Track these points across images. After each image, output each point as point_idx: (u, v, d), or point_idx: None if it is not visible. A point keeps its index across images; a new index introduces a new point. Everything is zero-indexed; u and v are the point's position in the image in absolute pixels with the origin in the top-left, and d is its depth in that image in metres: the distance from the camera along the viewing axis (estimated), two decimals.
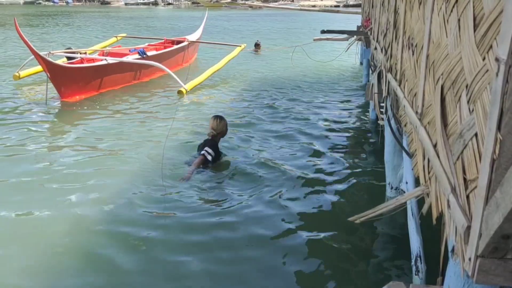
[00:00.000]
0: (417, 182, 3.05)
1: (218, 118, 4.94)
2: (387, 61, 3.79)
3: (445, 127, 1.56)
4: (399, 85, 2.86)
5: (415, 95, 2.26)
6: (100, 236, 3.43)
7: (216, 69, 9.82)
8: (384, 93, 3.70)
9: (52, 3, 72.06)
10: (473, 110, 1.27)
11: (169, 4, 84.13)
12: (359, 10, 18.06)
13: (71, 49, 10.19)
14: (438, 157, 1.58)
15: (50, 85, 7.39)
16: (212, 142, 4.76)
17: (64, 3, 74.26)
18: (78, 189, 4.23)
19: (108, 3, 76.48)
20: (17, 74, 8.74)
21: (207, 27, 13.73)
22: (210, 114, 5.84)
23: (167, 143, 4.80)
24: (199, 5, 75.25)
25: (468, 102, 1.32)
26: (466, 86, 1.34)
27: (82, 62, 8.53)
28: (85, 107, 7.38)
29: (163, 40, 12.14)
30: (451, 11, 1.58)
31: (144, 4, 79.25)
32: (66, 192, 4.14)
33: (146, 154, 5.14)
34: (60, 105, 7.43)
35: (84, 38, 18.56)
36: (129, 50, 9.79)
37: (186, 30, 16.48)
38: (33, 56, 7.63)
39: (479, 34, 1.25)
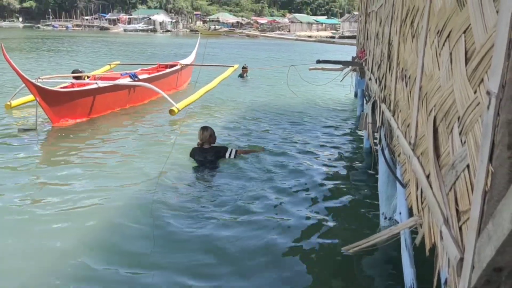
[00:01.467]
0: (410, 213, 3.06)
1: (202, 129, 5.64)
2: (381, 91, 3.84)
3: (438, 158, 1.57)
4: (393, 116, 2.89)
5: (408, 125, 2.28)
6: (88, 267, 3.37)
7: (209, 89, 9.80)
8: (378, 123, 3.73)
9: (51, 28, 72.87)
10: (465, 142, 1.29)
11: (168, 31, 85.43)
12: (353, 41, 18.43)
13: (79, 71, 10.17)
14: (431, 187, 1.59)
15: (41, 109, 7.30)
16: (201, 148, 5.55)
17: (64, 28, 75.12)
18: (68, 217, 4.13)
19: (107, 29, 77.53)
20: (8, 103, 8.52)
21: (203, 55, 13.90)
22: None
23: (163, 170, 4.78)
24: (197, 32, 76.35)
25: (460, 134, 1.34)
26: (458, 118, 1.35)
27: (73, 87, 8.49)
28: (77, 132, 7.27)
29: (156, 65, 12.28)
30: (443, 44, 1.62)
31: (143, 30, 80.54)
32: (54, 220, 4.06)
33: (140, 181, 5.11)
34: (50, 130, 7.33)
35: (81, 64, 18.70)
36: (121, 74, 9.83)
37: (182, 57, 16.67)
38: (35, 79, 7.63)
39: (470, 68, 1.27)
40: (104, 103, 8.47)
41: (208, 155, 5.58)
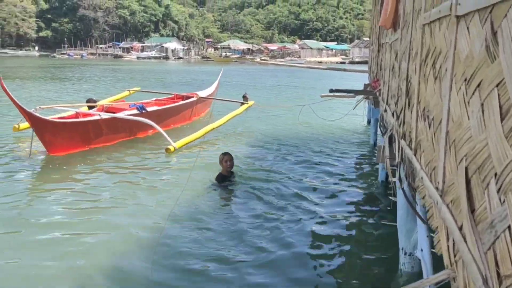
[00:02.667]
0: (434, 252, 2.96)
1: (221, 153, 6.44)
2: (399, 126, 3.80)
3: (472, 211, 1.51)
4: (415, 155, 2.84)
5: (434, 169, 2.23)
6: None
7: (215, 126, 9.61)
8: (398, 159, 3.68)
9: (67, 56, 74.68)
10: (504, 201, 1.23)
11: (180, 58, 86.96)
12: (364, 67, 18.52)
13: (93, 101, 10.21)
14: (466, 242, 1.52)
15: (36, 138, 7.31)
16: (219, 174, 6.31)
17: (79, 57, 77.00)
18: (63, 257, 4.03)
19: (121, 56, 79.25)
20: (16, 126, 8.63)
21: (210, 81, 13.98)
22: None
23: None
24: (208, 59, 77.68)
25: (498, 191, 1.29)
26: (495, 175, 1.31)
27: (77, 117, 8.50)
28: (72, 162, 7.22)
29: (172, 95, 12.34)
30: (473, 94, 1.58)
31: (156, 58, 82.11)
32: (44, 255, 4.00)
33: (137, 215, 5.04)
34: (45, 158, 7.29)
35: (95, 90, 18.96)
36: (129, 105, 9.83)
37: (200, 85, 16.79)
38: (34, 109, 7.65)
39: (507, 125, 1.23)
40: (104, 135, 8.40)
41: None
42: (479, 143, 1.47)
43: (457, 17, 1.82)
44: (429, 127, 2.40)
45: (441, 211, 1.90)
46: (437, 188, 2.05)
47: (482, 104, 1.47)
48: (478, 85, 1.53)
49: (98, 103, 10.59)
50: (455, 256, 1.70)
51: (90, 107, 9.53)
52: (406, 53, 3.55)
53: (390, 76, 5.16)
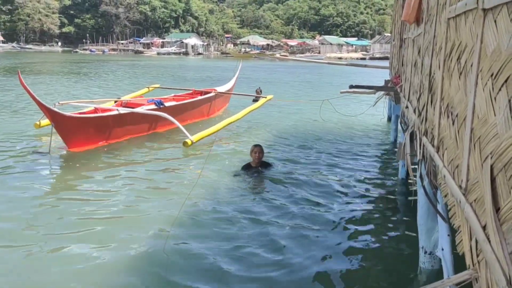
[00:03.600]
0: (453, 249, 2.90)
1: (252, 146, 6.84)
2: (421, 123, 3.72)
3: (497, 211, 1.47)
4: (437, 152, 2.78)
5: (457, 166, 2.18)
6: None
7: (233, 120, 9.58)
8: (419, 156, 3.61)
9: (89, 52, 75.90)
10: None
11: (199, 54, 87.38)
12: (385, 63, 18.28)
13: (120, 99, 10.32)
14: (489, 242, 1.48)
15: (56, 134, 7.37)
16: (247, 163, 6.72)
17: (101, 52, 78.15)
18: (83, 247, 4.09)
19: (141, 52, 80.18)
20: (37, 123, 8.71)
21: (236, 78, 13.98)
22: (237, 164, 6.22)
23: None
24: (228, 55, 77.83)
25: None
26: None
27: (96, 112, 8.58)
28: (90, 158, 7.26)
29: (191, 91, 12.37)
30: (500, 89, 1.53)
31: (175, 53, 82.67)
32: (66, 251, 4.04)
33: (158, 209, 5.07)
34: (65, 154, 7.35)
35: (117, 86, 19.17)
36: (147, 101, 9.89)
37: (214, 80, 16.84)
38: (53, 104, 7.71)
39: None
40: (123, 130, 8.47)
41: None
42: (506, 140, 1.43)
43: (484, 10, 1.76)
44: (453, 124, 2.35)
45: (464, 210, 1.85)
46: (460, 187, 2.00)
47: (509, 100, 1.43)
48: (506, 81, 1.48)
49: (117, 99, 10.70)
50: (477, 256, 1.66)
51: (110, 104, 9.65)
52: (429, 48, 3.47)
53: (412, 72, 5.06)
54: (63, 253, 4.02)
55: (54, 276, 3.61)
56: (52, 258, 3.92)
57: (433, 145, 2.95)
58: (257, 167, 6.60)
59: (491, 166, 1.56)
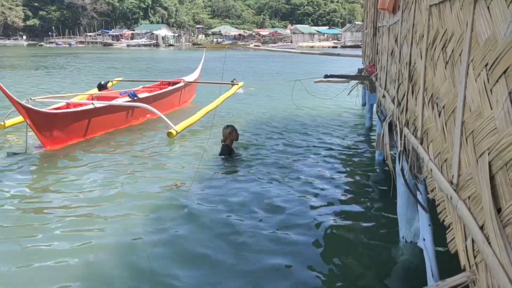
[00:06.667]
0: (436, 241, 2.85)
1: (224, 127, 6.83)
2: (401, 113, 3.65)
3: (497, 211, 1.38)
4: (421, 144, 2.70)
5: (445, 160, 2.09)
6: None
7: (211, 109, 9.45)
8: (400, 148, 3.54)
9: (55, 45, 73.66)
10: None
11: (170, 45, 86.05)
12: (357, 51, 18.34)
13: (104, 85, 10.12)
14: (490, 244, 1.39)
15: (32, 132, 6.95)
16: (225, 146, 6.71)
17: (67, 45, 75.93)
18: (63, 251, 3.93)
19: (111, 44, 78.38)
20: (2, 123, 8.14)
21: (206, 68, 13.83)
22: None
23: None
24: (200, 46, 76.97)
25: None
26: None
27: (68, 107, 8.24)
28: (70, 154, 6.96)
29: (158, 82, 12.13)
30: (497, 81, 1.43)
31: (146, 45, 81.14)
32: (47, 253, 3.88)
33: (145, 207, 4.92)
34: (42, 153, 6.98)
35: (83, 81, 18.63)
36: (120, 93, 9.59)
37: (186, 71, 16.58)
38: (25, 100, 7.35)
39: None
40: (101, 124, 8.17)
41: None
42: (506, 136, 1.33)
43: None
44: (439, 115, 2.26)
45: (457, 207, 1.76)
46: (451, 182, 1.91)
47: (510, 93, 1.33)
48: (504, 72, 1.37)
49: (83, 93, 10.46)
50: (475, 257, 1.57)
51: (103, 94, 9.49)
52: (408, 36, 3.39)
53: (389, 61, 5.00)
54: (44, 250, 3.93)
55: (37, 272, 3.53)
56: (34, 254, 3.83)
57: (416, 137, 2.88)
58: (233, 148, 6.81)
59: (489, 163, 1.46)
